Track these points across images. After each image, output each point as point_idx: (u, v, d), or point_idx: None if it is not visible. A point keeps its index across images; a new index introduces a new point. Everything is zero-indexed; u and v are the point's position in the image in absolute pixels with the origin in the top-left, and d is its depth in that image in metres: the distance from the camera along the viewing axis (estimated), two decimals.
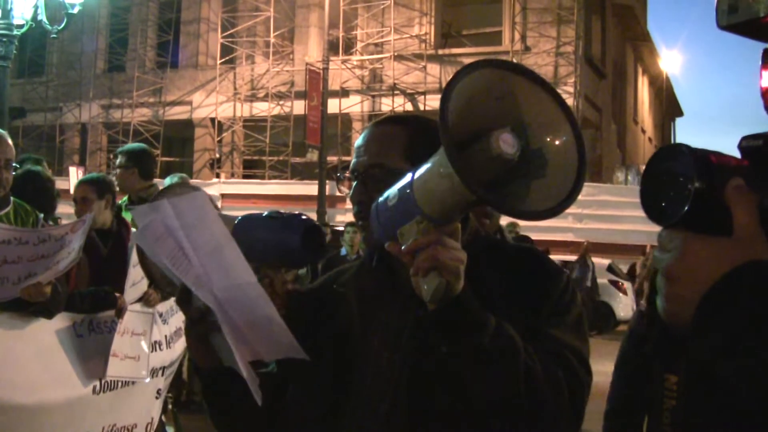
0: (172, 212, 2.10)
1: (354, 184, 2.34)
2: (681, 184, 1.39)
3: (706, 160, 1.40)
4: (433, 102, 26.99)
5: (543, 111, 1.89)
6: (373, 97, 28.57)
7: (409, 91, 27.88)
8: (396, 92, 27.83)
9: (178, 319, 6.90)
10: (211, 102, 30.44)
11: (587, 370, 2.11)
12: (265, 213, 2.41)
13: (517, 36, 27.02)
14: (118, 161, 7.53)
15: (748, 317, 1.34)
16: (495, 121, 1.85)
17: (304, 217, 2.41)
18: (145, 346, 6.15)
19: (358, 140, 2.40)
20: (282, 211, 2.43)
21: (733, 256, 1.39)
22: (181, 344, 6.99)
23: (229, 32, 30.14)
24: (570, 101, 25.79)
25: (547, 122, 1.89)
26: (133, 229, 6.52)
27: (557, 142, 1.87)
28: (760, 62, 1.72)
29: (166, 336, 6.57)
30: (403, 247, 1.85)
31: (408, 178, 1.90)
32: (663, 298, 1.51)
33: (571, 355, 2.07)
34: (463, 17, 29.08)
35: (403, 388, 2.15)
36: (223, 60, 30.20)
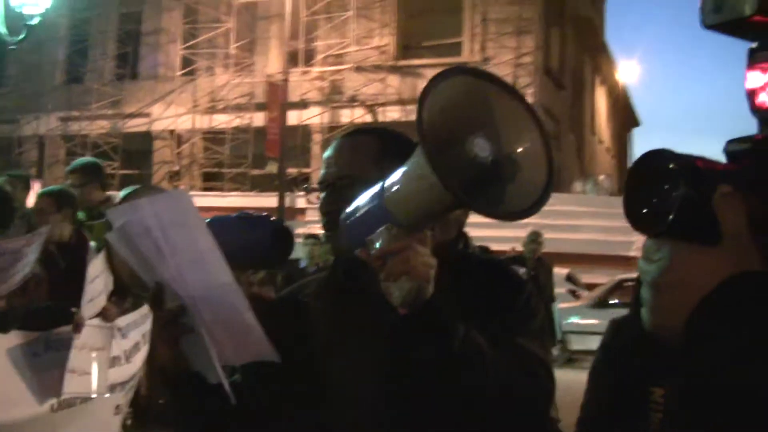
0: (151, 211, 2.06)
1: (323, 195, 2.34)
2: (666, 192, 1.36)
3: (691, 165, 1.37)
4: (392, 113, 27.02)
5: (513, 118, 1.92)
6: (333, 108, 28.51)
7: (368, 102, 27.89)
8: (356, 104, 27.84)
9: (138, 334, 6.82)
10: (171, 114, 30.30)
11: (550, 376, 2.15)
12: (235, 215, 2.42)
13: (477, 47, 27.11)
14: (72, 180, 7.42)
15: (757, 325, 1.31)
16: (468, 127, 1.87)
17: (272, 218, 2.45)
18: (103, 361, 6.06)
19: (327, 151, 2.42)
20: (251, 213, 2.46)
21: (724, 266, 1.36)
22: (140, 358, 6.91)
23: (189, 44, 30.06)
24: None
25: (518, 128, 1.92)
26: (92, 243, 6.45)
27: (527, 147, 1.91)
28: (746, 63, 1.72)
29: (125, 351, 6.47)
30: (373, 253, 1.87)
31: (378, 186, 1.92)
32: (649, 309, 1.49)
33: (536, 362, 2.10)
34: (423, 29, 29.10)
35: (377, 400, 2.15)
36: (183, 72, 30.11)
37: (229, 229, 2.30)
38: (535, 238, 12.70)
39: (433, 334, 1.90)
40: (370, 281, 2.18)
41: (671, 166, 1.38)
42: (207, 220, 2.24)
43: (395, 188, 1.87)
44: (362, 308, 2.25)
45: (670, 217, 1.35)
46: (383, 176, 2.06)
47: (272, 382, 2.29)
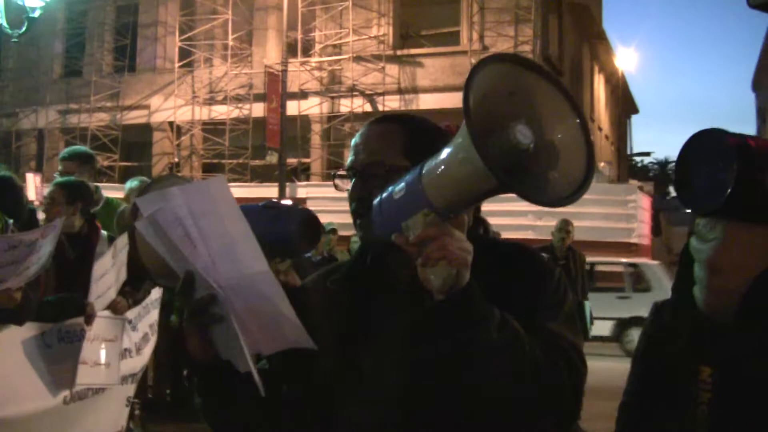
0: (183, 200, 2.04)
1: (352, 181, 2.33)
2: (719, 171, 1.36)
3: (744, 145, 1.37)
4: (392, 103, 27.02)
5: (552, 104, 1.93)
6: (332, 98, 28.49)
7: (368, 92, 27.87)
8: (355, 93, 27.81)
9: (146, 325, 6.86)
10: (170, 106, 30.28)
11: (583, 361, 2.13)
12: (261, 204, 2.42)
13: (475, 36, 27.05)
14: (64, 167, 7.34)
15: None
16: (510, 114, 1.89)
17: (300, 207, 2.47)
18: (115, 352, 6.08)
19: (355, 138, 2.40)
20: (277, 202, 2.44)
21: None
22: (149, 349, 6.94)
23: (186, 35, 29.98)
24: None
25: (557, 115, 1.93)
26: (104, 233, 6.46)
27: (566, 134, 1.92)
28: None
29: (135, 343, 6.52)
30: (410, 239, 1.88)
31: (416, 171, 1.92)
32: (704, 289, 1.49)
33: (569, 348, 2.09)
34: (421, 18, 29.05)
35: (402, 390, 2.14)
36: (181, 63, 30.06)
37: (256, 218, 2.23)
38: (563, 226, 11.89)
39: (472, 320, 1.90)
40: (401, 267, 2.21)
41: (724, 145, 1.38)
42: None
43: (435, 172, 1.87)
44: (391, 296, 2.26)
45: (725, 195, 1.36)
46: (412, 163, 2.08)
47: (298, 371, 2.30)
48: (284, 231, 2.33)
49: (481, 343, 1.91)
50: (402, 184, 1.94)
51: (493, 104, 1.85)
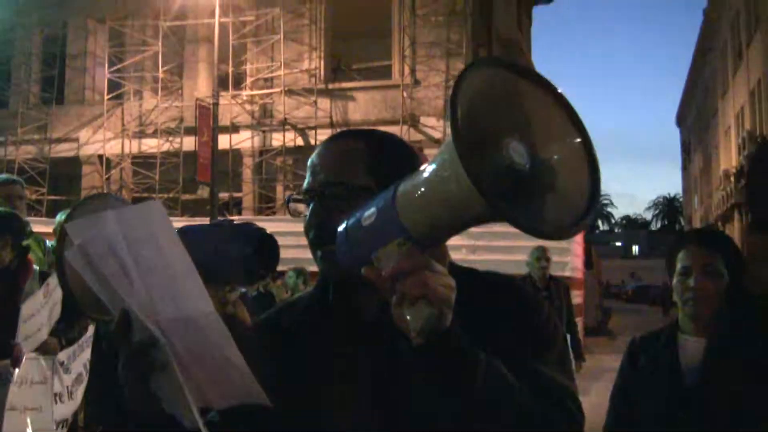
0: (117, 225, 1.79)
1: (310, 206, 2.08)
2: None
3: None
4: (324, 137, 26.79)
5: (549, 117, 1.69)
6: (264, 132, 28.33)
7: (300, 125, 27.75)
8: (287, 127, 27.68)
9: (79, 364, 6.63)
10: (99, 138, 29.80)
11: (579, 409, 1.88)
12: (211, 223, 2.17)
13: (407, 70, 27.12)
14: None
15: None
16: (499, 129, 1.63)
17: (254, 226, 2.14)
18: (47, 395, 5.85)
19: (312, 157, 2.15)
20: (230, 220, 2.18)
21: None
22: (81, 391, 6.72)
23: (116, 67, 29.64)
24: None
25: (555, 130, 1.69)
26: (36, 268, 6.25)
27: (566, 152, 1.67)
28: None
29: (67, 387, 6.28)
30: (383, 273, 1.62)
31: (388, 193, 1.66)
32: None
33: (563, 394, 1.86)
34: (352, 52, 29.13)
35: None
36: (111, 95, 29.67)
37: (203, 239, 2.03)
38: (542, 254, 10.98)
39: (455, 367, 1.66)
40: (370, 305, 2.01)
41: None
42: (178, 230, 1.96)
43: (412, 195, 1.61)
44: (360, 338, 2.03)
45: None
46: (377, 183, 1.89)
47: (254, 421, 2.01)
48: (237, 253, 2.02)
49: (466, 392, 1.66)
50: (372, 209, 1.68)
51: (482, 116, 1.60)
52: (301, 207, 2.15)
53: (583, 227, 1.61)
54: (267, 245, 2.06)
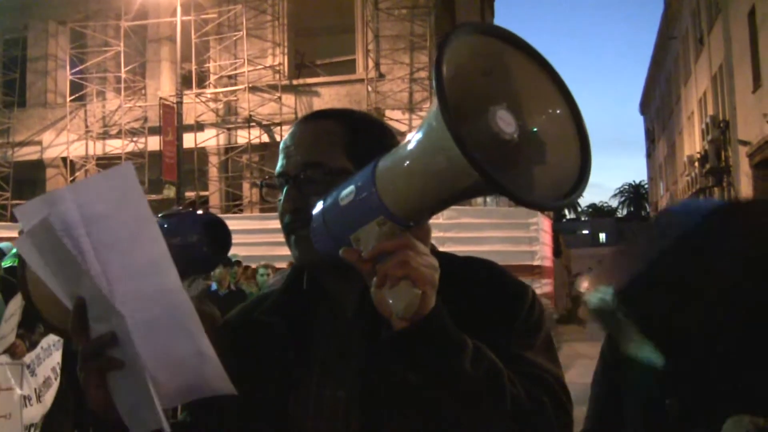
0: (73, 202, 1.62)
1: (284, 189, 1.97)
2: None
3: None
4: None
5: (536, 87, 1.60)
6: (229, 129, 28.19)
7: (265, 122, 27.65)
8: (252, 124, 27.55)
9: (46, 368, 6.54)
10: (62, 141, 29.57)
11: (568, 396, 1.80)
12: (158, 215, 2.01)
13: (371, 64, 27.08)
14: None
15: None
16: (485, 97, 1.53)
17: (199, 211, 2.05)
18: (15, 401, 5.77)
19: (285, 139, 2.03)
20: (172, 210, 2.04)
21: None
22: (50, 395, 6.64)
23: (78, 68, 29.40)
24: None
25: (542, 100, 1.60)
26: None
27: (553, 122, 1.58)
28: None
29: (35, 389, 6.19)
30: (363, 254, 1.55)
31: (367, 170, 1.58)
32: None
33: (551, 381, 1.77)
34: (316, 47, 29.07)
35: (353, 430, 1.84)
36: (73, 97, 29.44)
37: None
38: None
39: (441, 352, 1.57)
40: (347, 290, 1.94)
41: None
42: None
43: (394, 170, 1.53)
44: (336, 326, 1.97)
45: None
46: (355, 165, 1.80)
47: (227, 419, 1.94)
48: (185, 242, 1.95)
49: (452, 379, 1.57)
50: (350, 187, 1.58)
51: (467, 84, 1.50)
52: (271, 194, 2.06)
53: (577, 197, 1.53)
54: (213, 230, 1.98)
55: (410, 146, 1.51)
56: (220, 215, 19.82)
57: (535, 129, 1.58)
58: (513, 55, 1.59)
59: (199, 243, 1.94)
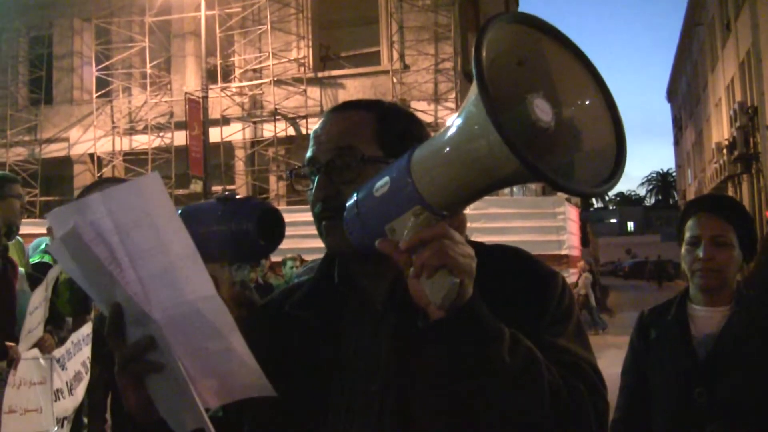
0: (105, 209, 1.62)
1: (315, 179, 1.95)
2: None
3: None
4: (315, 125, 26.78)
5: (571, 75, 1.59)
6: (255, 123, 28.24)
7: (290, 115, 27.66)
8: (277, 117, 27.58)
9: (76, 362, 6.54)
10: (89, 137, 29.74)
11: (602, 382, 1.80)
12: (213, 199, 2.03)
13: (395, 55, 27.04)
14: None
15: None
16: (522, 86, 1.52)
17: (257, 200, 2.03)
18: (46, 395, 5.77)
19: (315, 128, 2.03)
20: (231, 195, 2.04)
21: None
22: (81, 389, 6.64)
23: (103, 65, 29.52)
24: (452, 116, 25.87)
25: (576, 88, 1.59)
26: (21, 270, 6.16)
27: (588, 110, 1.58)
28: None
29: (67, 383, 6.19)
30: (400, 244, 1.54)
31: (402, 160, 1.58)
32: None
33: (587, 368, 1.78)
34: (340, 39, 29.03)
35: (387, 423, 1.81)
36: (99, 93, 29.56)
37: (208, 216, 1.94)
38: None
39: (480, 341, 1.56)
40: (380, 281, 1.92)
41: None
42: (179, 211, 1.83)
43: (431, 159, 1.52)
44: (370, 317, 1.95)
45: None
46: (386, 153, 1.82)
47: (260, 413, 1.94)
48: (241, 229, 1.93)
49: (490, 367, 1.56)
50: (385, 178, 1.58)
51: (504, 72, 1.50)
52: (301, 183, 2.05)
53: (615, 184, 1.52)
54: (269, 218, 1.96)
55: (447, 135, 1.50)
56: None
57: (570, 117, 1.57)
58: (548, 44, 1.58)
59: (253, 231, 1.91)
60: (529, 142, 1.42)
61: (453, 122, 1.50)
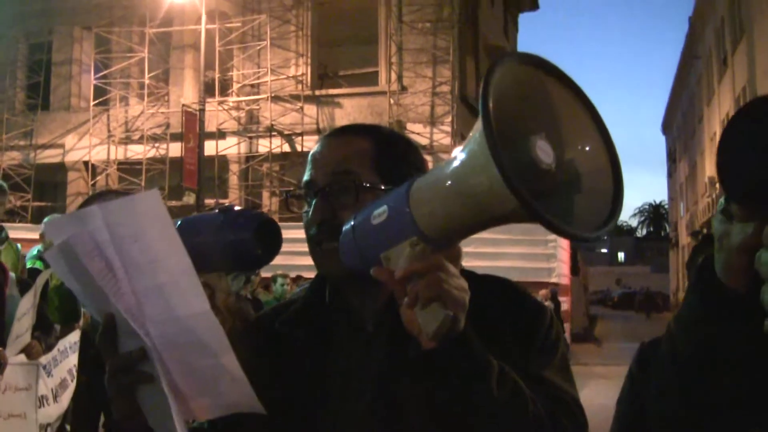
0: (102, 221, 1.64)
1: (313, 201, 1.96)
2: None
3: None
4: (310, 143, 26.88)
5: (570, 114, 1.58)
6: (250, 138, 28.28)
7: (286, 132, 27.71)
8: (273, 133, 27.63)
9: (63, 370, 6.57)
10: (85, 145, 29.74)
11: (584, 416, 1.82)
12: (212, 210, 2.05)
13: (393, 76, 27.13)
14: None
15: None
16: (525, 126, 1.52)
17: (256, 211, 2.04)
18: (30, 401, 5.79)
19: (313, 151, 2.03)
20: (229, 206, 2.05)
21: None
22: (67, 396, 6.65)
23: (102, 73, 29.58)
24: (447, 140, 25.96)
25: (577, 129, 1.59)
26: (12, 275, 6.18)
27: (588, 152, 1.58)
28: None
29: (52, 389, 6.21)
30: (395, 274, 1.55)
31: (401, 190, 1.58)
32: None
33: (570, 401, 1.80)
34: (339, 58, 29.10)
35: None
36: (96, 102, 29.59)
37: (208, 226, 1.95)
38: None
39: (469, 373, 1.58)
40: (372, 305, 1.94)
41: None
42: (178, 223, 1.88)
43: (430, 191, 1.53)
44: (359, 341, 1.96)
45: None
46: (383, 180, 1.83)
47: (247, 428, 1.91)
48: (239, 239, 1.93)
49: (477, 399, 1.59)
50: (383, 207, 1.59)
51: (509, 113, 1.47)
52: (296, 204, 2.07)
53: (611, 228, 1.52)
54: (266, 229, 1.97)
55: (448, 169, 1.50)
56: None
57: (572, 159, 1.57)
58: (553, 86, 1.58)
59: (251, 241, 1.92)
60: (529, 182, 1.42)
61: (455, 156, 1.50)
